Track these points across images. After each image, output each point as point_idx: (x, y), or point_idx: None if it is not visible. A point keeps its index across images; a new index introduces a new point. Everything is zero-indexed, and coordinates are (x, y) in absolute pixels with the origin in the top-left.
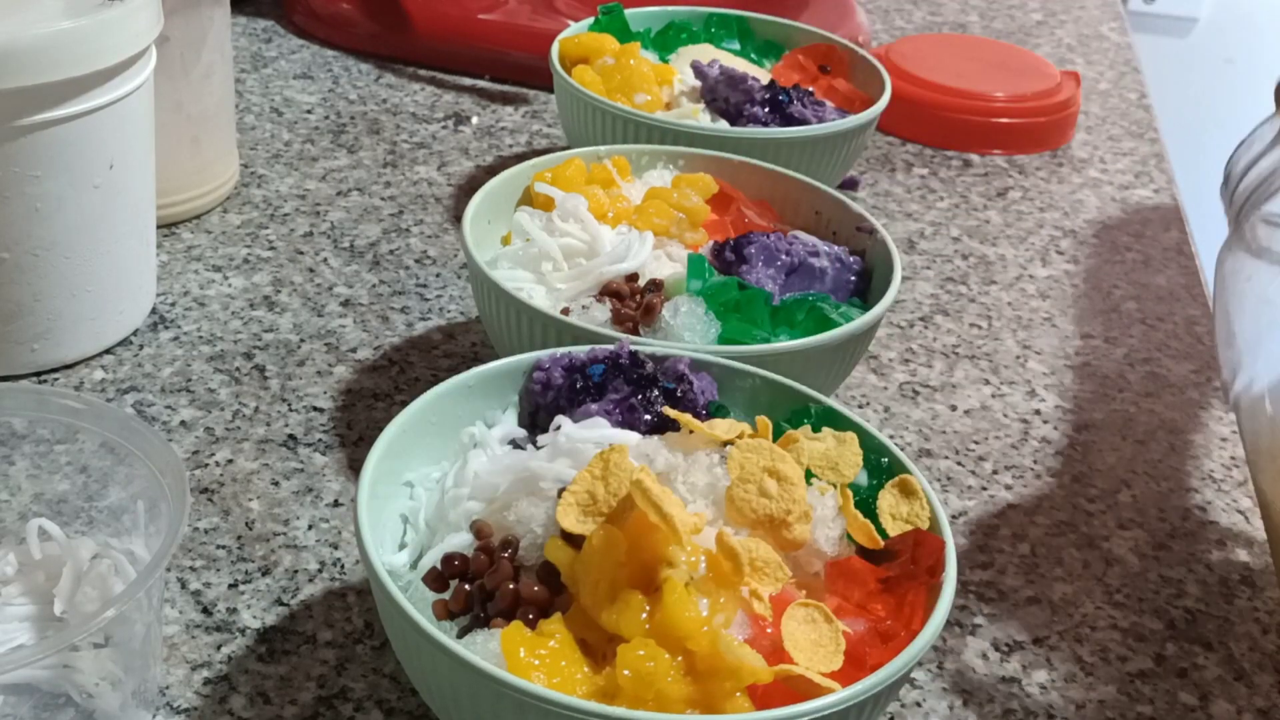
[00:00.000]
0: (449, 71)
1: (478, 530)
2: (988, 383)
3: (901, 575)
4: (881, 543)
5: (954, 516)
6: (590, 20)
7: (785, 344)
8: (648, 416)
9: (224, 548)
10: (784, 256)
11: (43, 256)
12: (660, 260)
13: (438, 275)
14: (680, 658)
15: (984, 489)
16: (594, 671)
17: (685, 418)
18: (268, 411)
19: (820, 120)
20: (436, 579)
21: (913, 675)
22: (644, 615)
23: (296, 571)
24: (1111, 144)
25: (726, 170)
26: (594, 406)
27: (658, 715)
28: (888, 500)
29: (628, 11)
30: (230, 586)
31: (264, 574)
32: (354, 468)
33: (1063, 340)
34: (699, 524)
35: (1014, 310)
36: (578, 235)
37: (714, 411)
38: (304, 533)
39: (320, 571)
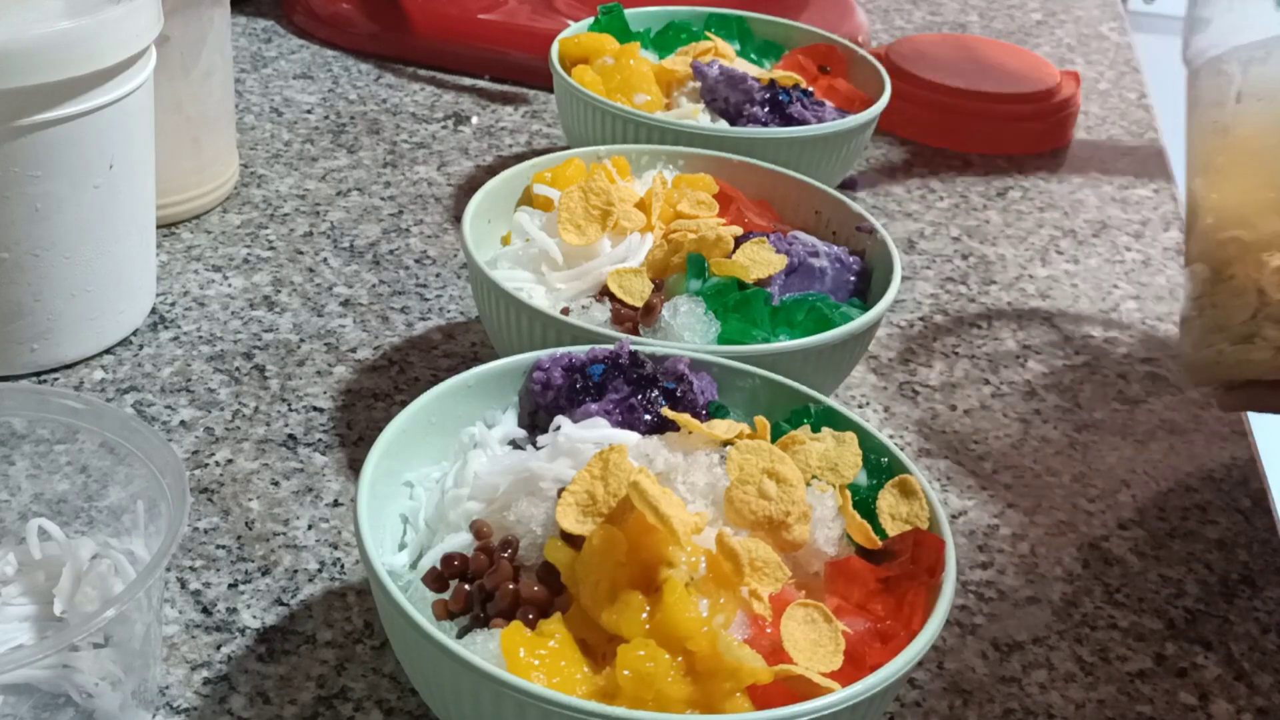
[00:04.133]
0: (449, 71)
1: (477, 530)
2: (988, 383)
3: (901, 575)
4: (879, 543)
5: (954, 516)
6: (590, 20)
7: (785, 344)
8: (647, 416)
9: (224, 548)
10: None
11: (43, 256)
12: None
13: (438, 275)
14: (680, 658)
15: (984, 489)
16: (594, 671)
17: (684, 418)
18: (268, 411)
19: (820, 120)
20: (436, 579)
21: (913, 675)
22: (644, 615)
23: (296, 571)
24: (1111, 144)
25: (726, 170)
26: (594, 406)
27: (658, 715)
28: (887, 500)
29: (628, 11)
30: (230, 586)
31: (264, 574)
32: (354, 468)
33: (1063, 340)
34: (700, 524)
35: (1014, 310)
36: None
37: (714, 411)
38: (304, 533)
39: (320, 571)
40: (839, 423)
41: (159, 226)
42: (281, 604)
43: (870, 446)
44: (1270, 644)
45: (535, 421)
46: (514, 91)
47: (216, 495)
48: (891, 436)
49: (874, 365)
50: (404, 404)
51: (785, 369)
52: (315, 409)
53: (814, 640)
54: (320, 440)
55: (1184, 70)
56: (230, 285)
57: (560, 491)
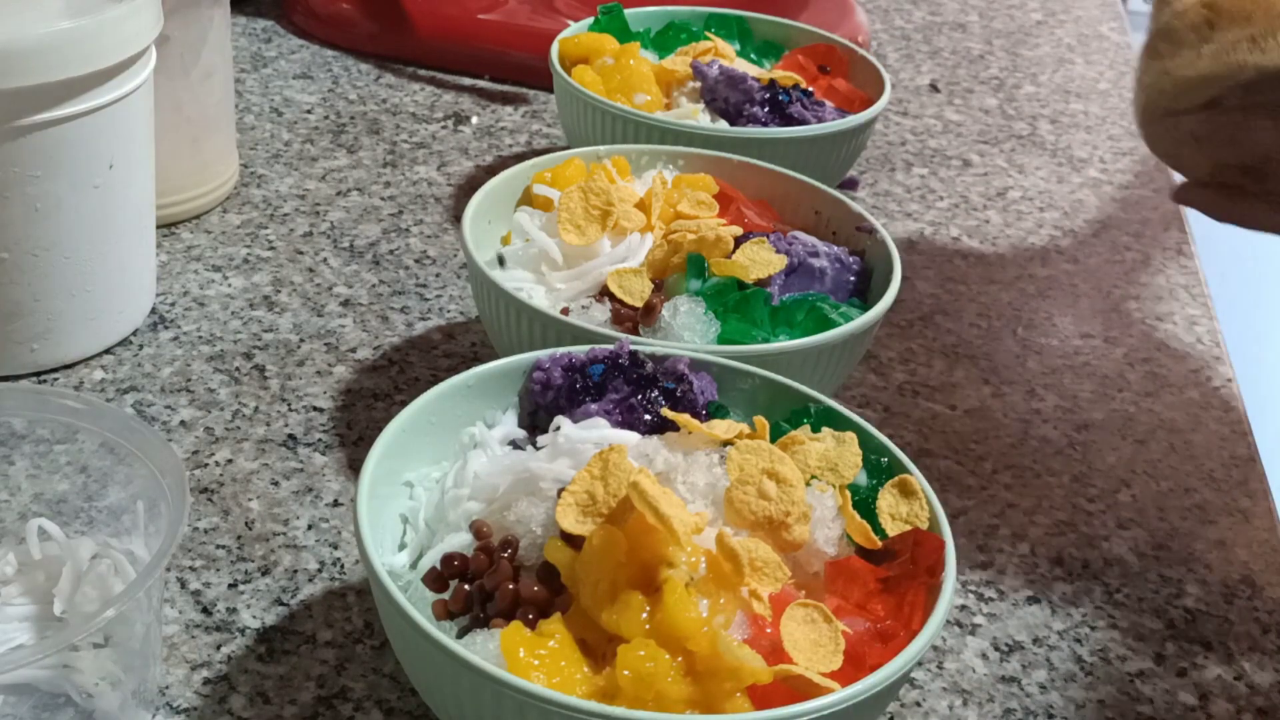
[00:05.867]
0: (449, 71)
1: (477, 530)
2: (988, 383)
3: (901, 575)
4: (879, 543)
5: (954, 516)
6: (590, 20)
7: (785, 344)
8: (647, 416)
9: (224, 548)
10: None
11: (43, 256)
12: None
13: (438, 275)
14: (680, 658)
15: (984, 489)
16: (594, 671)
17: (684, 418)
18: (267, 411)
19: (820, 120)
20: (436, 579)
21: (913, 675)
22: (644, 615)
23: (296, 571)
24: (1111, 144)
25: (726, 170)
26: (594, 406)
27: (658, 715)
28: (887, 500)
29: (628, 11)
30: (230, 586)
31: (264, 574)
32: (354, 468)
33: (1062, 340)
34: (700, 524)
35: (1014, 310)
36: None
37: (714, 411)
38: (304, 533)
39: (320, 571)
40: (839, 423)
41: (159, 226)
42: (281, 604)
43: (870, 446)
44: (1270, 644)
45: (535, 421)
46: (514, 91)
47: (216, 495)
48: (891, 436)
49: (874, 365)
50: (404, 404)
51: (785, 369)
52: (315, 409)
53: (814, 640)
54: (320, 440)
55: None
56: (230, 285)
57: (560, 491)
